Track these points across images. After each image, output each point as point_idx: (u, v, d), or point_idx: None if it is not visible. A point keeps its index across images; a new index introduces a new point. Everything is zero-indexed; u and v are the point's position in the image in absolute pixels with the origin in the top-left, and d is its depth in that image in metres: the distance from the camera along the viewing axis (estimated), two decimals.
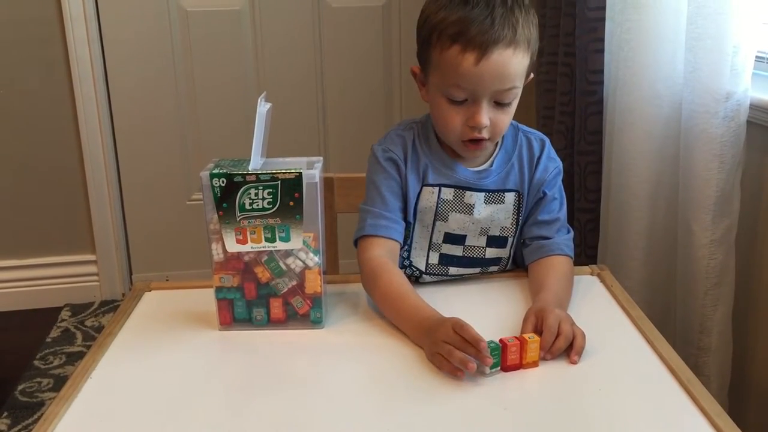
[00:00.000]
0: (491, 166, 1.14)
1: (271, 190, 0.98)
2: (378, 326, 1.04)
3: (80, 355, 2.15)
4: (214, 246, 1.01)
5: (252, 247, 1.00)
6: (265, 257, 1.01)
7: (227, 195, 0.98)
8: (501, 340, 0.91)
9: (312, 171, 0.99)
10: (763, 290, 1.43)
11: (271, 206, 0.98)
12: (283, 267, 1.01)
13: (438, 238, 1.15)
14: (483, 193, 1.13)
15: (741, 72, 1.32)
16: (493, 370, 0.90)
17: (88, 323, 2.38)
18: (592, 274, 1.19)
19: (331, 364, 0.97)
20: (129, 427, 0.85)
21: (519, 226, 1.17)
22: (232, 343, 1.02)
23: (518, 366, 0.92)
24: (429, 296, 1.04)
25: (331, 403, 0.88)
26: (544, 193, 1.16)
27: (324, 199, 1.11)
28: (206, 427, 0.84)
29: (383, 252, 1.10)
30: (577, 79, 1.72)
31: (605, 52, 1.62)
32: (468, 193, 1.12)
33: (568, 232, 1.18)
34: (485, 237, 1.15)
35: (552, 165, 1.16)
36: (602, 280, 1.17)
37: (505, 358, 0.91)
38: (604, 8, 1.60)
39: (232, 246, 1.00)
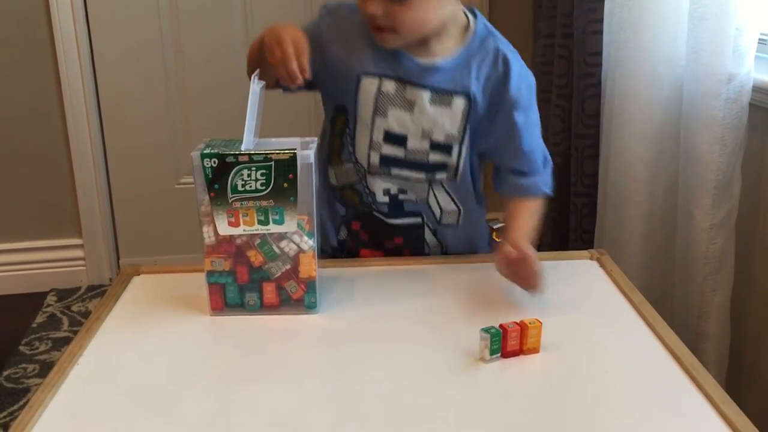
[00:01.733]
0: (442, 61, 1.07)
1: (264, 171, 0.94)
2: (373, 312, 1.02)
3: (66, 341, 2.12)
4: (205, 229, 0.98)
5: (244, 230, 0.97)
6: (258, 240, 0.98)
7: (219, 176, 0.95)
8: (501, 326, 0.88)
9: (306, 151, 0.96)
10: (762, 276, 1.42)
11: (264, 188, 0.95)
12: (277, 250, 0.98)
13: (378, 136, 1.10)
14: (428, 92, 1.07)
15: (744, 54, 1.31)
16: (494, 356, 0.88)
17: (75, 308, 2.34)
18: (591, 258, 1.16)
19: (326, 350, 0.95)
20: (117, 416, 0.82)
21: (466, 136, 1.10)
22: (223, 329, 0.99)
23: (518, 352, 0.89)
24: (427, 281, 1.02)
25: (326, 389, 0.86)
26: (517, 121, 1.08)
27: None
28: (197, 415, 0.82)
29: None
30: (574, 62, 1.69)
31: (604, 33, 1.59)
32: (410, 88, 1.07)
33: (546, 163, 1.14)
34: (428, 141, 1.10)
35: (524, 83, 1.09)
36: (602, 265, 1.14)
37: (505, 344, 0.88)
38: None
39: (224, 229, 0.97)
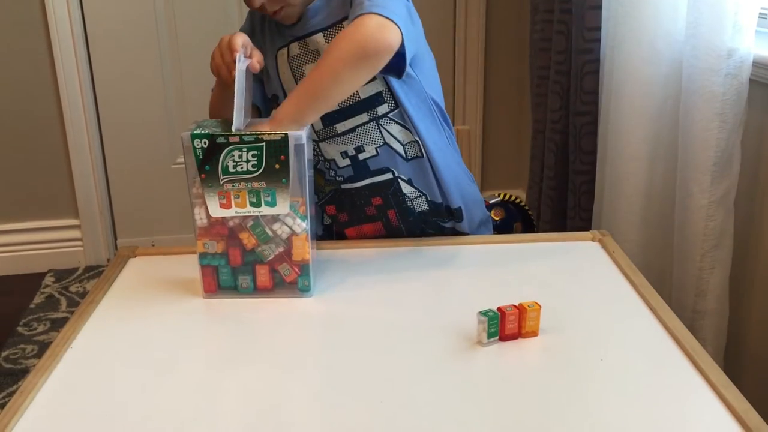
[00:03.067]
0: (315, 3, 1.09)
1: (255, 152, 0.93)
2: (368, 295, 1.01)
3: (64, 321, 2.09)
4: (197, 210, 0.97)
5: (236, 212, 0.96)
6: (251, 222, 0.97)
7: (210, 157, 0.93)
8: (499, 309, 0.87)
9: (299, 132, 0.94)
10: (761, 253, 1.41)
11: (255, 169, 0.94)
12: (270, 233, 0.97)
13: None
14: (321, 34, 1.09)
15: (744, 28, 1.28)
16: (491, 339, 0.87)
17: (73, 289, 2.34)
18: (593, 239, 1.15)
19: (319, 333, 0.94)
20: (110, 399, 0.81)
21: None
22: (216, 312, 0.98)
23: (517, 335, 0.88)
24: (423, 263, 1.00)
25: (319, 373, 0.85)
26: None
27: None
28: (189, 398, 0.81)
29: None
30: (573, 37, 1.67)
31: (603, 9, 1.56)
32: (309, 40, 1.10)
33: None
34: None
35: None
36: (604, 246, 1.13)
37: (503, 327, 0.87)
38: None
39: (216, 211, 0.96)
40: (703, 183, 1.35)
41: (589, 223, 1.67)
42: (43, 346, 2.01)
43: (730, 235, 1.39)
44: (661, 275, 1.52)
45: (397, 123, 1.12)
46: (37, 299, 2.27)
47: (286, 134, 0.92)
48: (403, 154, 1.14)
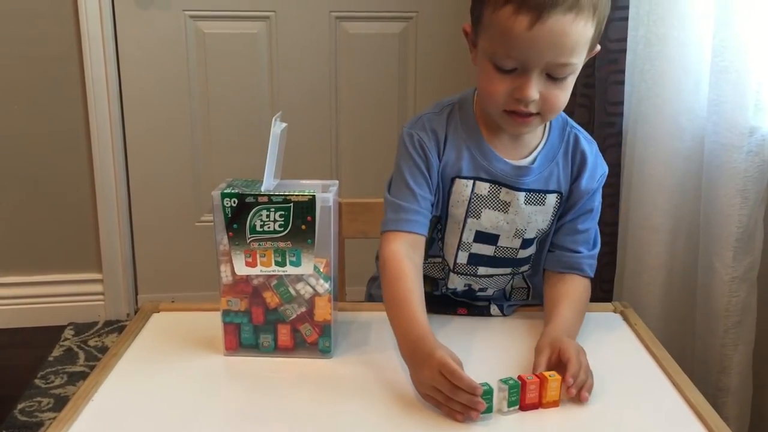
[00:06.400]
0: (533, 162, 1.05)
1: (283, 213, 0.95)
2: (388, 359, 1.00)
3: (82, 375, 2.12)
4: (222, 268, 0.99)
5: (261, 271, 0.97)
6: (275, 282, 0.98)
7: (238, 216, 0.95)
8: (519, 377, 0.87)
9: (326, 194, 0.96)
10: None
11: (282, 229, 0.96)
12: (293, 293, 0.98)
13: (468, 236, 1.07)
14: (523, 193, 1.05)
15: (766, 107, 1.30)
16: (511, 408, 0.86)
17: (92, 343, 2.34)
18: (615, 311, 1.15)
19: (337, 397, 0.93)
20: None
21: (552, 228, 1.10)
22: (236, 370, 0.99)
23: (537, 405, 0.87)
24: (446, 330, 1.00)
25: None
26: (584, 206, 1.08)
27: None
28: None
29: (403, 247, 1.02)
30: (596, 111, 1.70)
31: (626, 84, 1.59)
32: (504, 189, 1.05)
33: (595, 246, 1.10)
34: (520, 239, 1.08)
35: (599, 171, 1.09)
36: (625, 318, 1.12)
37: (523, 396, 0.87)
38: (625, 40, 1.58)
39: (241, 269, 0.97)
40: (726, 259, 1.35)
41: (610, 294, 1.66)
42: (59, 400, 2.00)
43: (753, 311, 1.38)
44: (683, 349, 1.50)
45: (522, 277, 1.15)
46: (56, 352, 2.28)
47: (314, 196, 0.94)
48: (507, 296, 1.16)
